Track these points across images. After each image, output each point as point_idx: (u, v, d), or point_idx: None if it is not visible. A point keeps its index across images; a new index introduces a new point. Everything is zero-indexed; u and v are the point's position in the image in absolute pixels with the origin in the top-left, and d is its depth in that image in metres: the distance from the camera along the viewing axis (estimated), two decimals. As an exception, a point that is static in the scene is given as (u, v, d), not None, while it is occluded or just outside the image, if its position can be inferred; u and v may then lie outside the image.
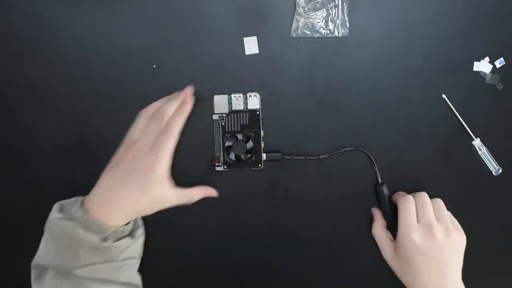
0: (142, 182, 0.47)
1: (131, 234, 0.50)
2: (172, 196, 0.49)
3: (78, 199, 0.49)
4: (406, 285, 0.51)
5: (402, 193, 0.53)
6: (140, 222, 0.52)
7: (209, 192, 0.53)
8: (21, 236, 0.52)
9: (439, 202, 0.51)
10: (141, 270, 0.52)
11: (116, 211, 0.47)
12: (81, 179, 0.52)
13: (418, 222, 0.50)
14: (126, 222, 0.49)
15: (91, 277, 0.46)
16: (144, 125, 0.49)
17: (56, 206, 0.49)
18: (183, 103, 0.51)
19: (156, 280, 0.55)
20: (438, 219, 0.50)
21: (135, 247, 0.50)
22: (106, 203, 0.47)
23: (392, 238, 0.52)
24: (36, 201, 0.53)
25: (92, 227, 0.46)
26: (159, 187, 0.48)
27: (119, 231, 0.48)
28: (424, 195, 0.51)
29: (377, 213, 0.54)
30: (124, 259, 0.48)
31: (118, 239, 0.47)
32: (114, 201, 0.47)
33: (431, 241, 0.49)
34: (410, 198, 0.51)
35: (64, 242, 0.46)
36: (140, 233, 0.51)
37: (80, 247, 0.45)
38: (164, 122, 0.49)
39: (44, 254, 0.48)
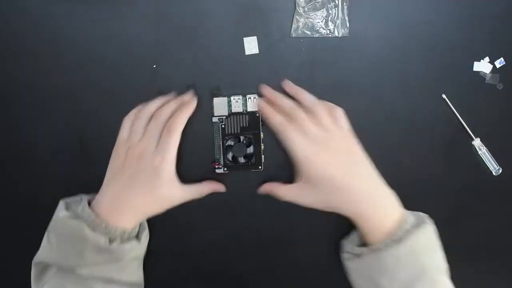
0: (151, 184, 0.47)
1: (137, 236, 0.50)
2: (181, 193, 0.50)
3: (83, 197, 0.49)
4: (340, 209, 0.48)
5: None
6: (145, 224, 0.52)
7: (217, 187, 0.53)
8: (21, 236, 0.52)
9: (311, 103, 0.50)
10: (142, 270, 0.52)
11: (125, 214, 0.47)
12: (81, 179, 0.52)
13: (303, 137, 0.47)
14: (134, 225, 0.49)
15: (94, 276, 0.46)
16: (142, 127, 0.49)
17: (62, 204, 0.48)
18: (184, 103, 0.51)
19: (156, 280, 0.55)
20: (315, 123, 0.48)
21: (140, 249, 0.50)
22: (116, 207, 0.47)
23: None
24: (36, 201, 0.53)
25: (99, 228, 0.46)
26: (168, 187, 0.48)
27: (126, 233, 0.48)
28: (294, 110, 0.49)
29: (268, 186, 0.52)
30: (129, 261, 0.48)
31: (124, 242, 0.47)
32: (123, 205, 0.47)
33: (320, 132, 0.48)
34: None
35: (69, 241, 0.46)
36: (146, 235, 0.51)
37: (85, 247, 0.45)
38: (164, 122, 0.49)
39: (47, 251, 0.47)
